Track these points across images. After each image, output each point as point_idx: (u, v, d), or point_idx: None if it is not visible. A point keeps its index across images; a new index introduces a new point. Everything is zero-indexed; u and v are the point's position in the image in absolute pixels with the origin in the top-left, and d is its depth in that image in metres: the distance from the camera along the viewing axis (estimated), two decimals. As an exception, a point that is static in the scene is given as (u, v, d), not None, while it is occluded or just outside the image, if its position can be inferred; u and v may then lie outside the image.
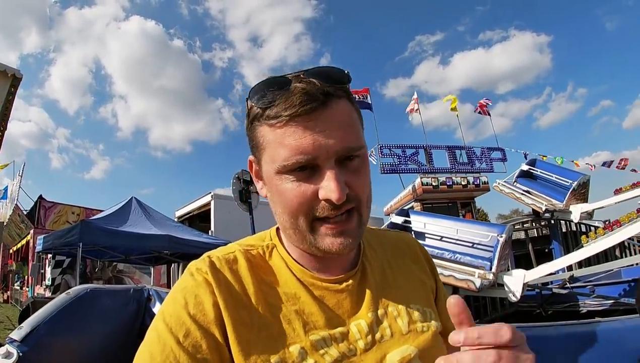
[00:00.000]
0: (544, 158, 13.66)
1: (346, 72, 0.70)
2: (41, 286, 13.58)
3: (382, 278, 0.83)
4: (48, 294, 12.05)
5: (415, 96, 16.16)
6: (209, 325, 0.65)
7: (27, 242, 15.35)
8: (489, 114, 16.56)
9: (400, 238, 0.98)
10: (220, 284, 0.69)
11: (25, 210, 16.36)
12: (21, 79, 9.25)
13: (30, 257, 14.64)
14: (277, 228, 0.84)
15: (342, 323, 0.72)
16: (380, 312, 0.76)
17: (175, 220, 12.57)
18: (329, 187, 0.64)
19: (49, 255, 12.25)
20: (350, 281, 0.78)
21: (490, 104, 16.84)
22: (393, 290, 0.82)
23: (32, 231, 14.78)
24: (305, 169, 0.66)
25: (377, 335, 0.73)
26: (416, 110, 15.66)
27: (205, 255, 0.75)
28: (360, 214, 0.71)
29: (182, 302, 0.67)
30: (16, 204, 15.60)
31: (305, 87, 0.64)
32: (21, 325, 1.29)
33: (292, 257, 0.77)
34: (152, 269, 12.42)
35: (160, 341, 0.63)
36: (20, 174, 15.90)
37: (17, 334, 1.25)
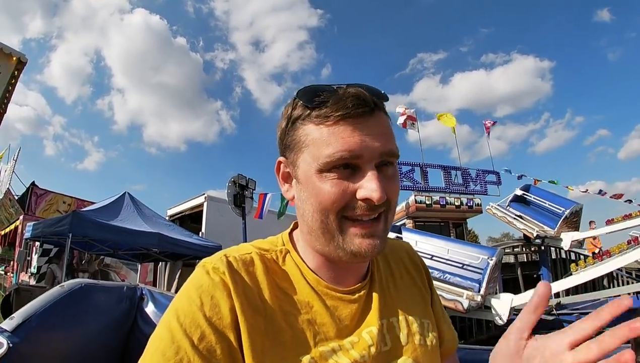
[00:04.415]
0: (537, 182, 13.75)
1: (383, 92, 0.73)
2: (26, 273, 13.44)
3: (386, 287, 0.84)
4: (33, 282, 11.91)
5: (405, 110, 16.15)
6: (224, 329, 0.64)
7: (16, 228, 15.19)
8: (488, 135, 16.68)
9: (402, 246, 0.99)
10: (238, 287, 0.68)
11: (17, 195, 16.21)
12: (26, 63, 9.20)
13: (17, 243, 14.48)
14: (290, 234, 0.84)
15: (352, 333, 0.73)
16: (384, 321, 0.77)
17: (167, 218, 12.50)
18: (370, 187, 0.66)
19: (37, 243, 12.13)
20: (363, 292, 0.78)
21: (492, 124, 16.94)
22: (395, 301, 0.82)
23: (21, 217, 14.65)
24: (347, 168, 0.68)
25: (382, 345, 0.74)
26: (411, 124, 15.72)
27: (221, 253, 0.74)
28: (387, 219, 0.73)
29: (197, 302, 0.65)
30: (8, 188, 15.48)
31: (357, 92, 0.67)
32: (12, 315, 1.28)
33: (306, 264, 0.77)
34: (139, 266, 12.32)
35: (175, 342, 0.62)
36: (15, 159, 15.80)
37: (8, 324, 1.24)
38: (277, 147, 0.79)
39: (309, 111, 0.69)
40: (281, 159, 0.78)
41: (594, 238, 12.87)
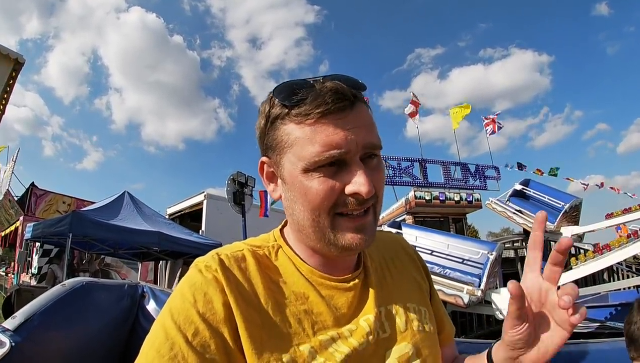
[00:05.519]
0: (540, 173, 13.72)
1: (360, 81, 0.73)
2: (27, 274, 13.43)
3: (381, 277, 0.85)
4: (33, 283, 11.91)
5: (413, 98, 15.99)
6: (218, 324, 0.64)
7: (16, 229, 15.19)
8: (494, 132, 16.56)
9: (395, 239, 1.00)
10: (230, 283, 0.68)
11: (16, 196, 16.20)
12: (23, 64, 9.15)
13: (18, 244, 14.48)
14: (281, 230, 0.85)
15: (350, 321, 0.73)
16: (382, 309, 0.78)
17: (167, 217, 12.49)
18: (359, 181, 0.66)
19: (37, 244, 12.13)
20: (357, 280, 0.79)
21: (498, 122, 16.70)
22: (391, 289, 0.83)
23: (21, 218, 14.64)
24: (333, 165, 0.67)
25: (380, 332, 0.74)
26: (415, 113, 15.63)
27: (213, 252, 0.74)
28: (375, 211, 0.73)
29: (191, 300, 0.66)
30: (7, 189, 15.47)
31: (335, 86, 0.67)
32: (15, 314, 1.28)
33: (299, 257, 0.78)
34: (140, 265, 12.32)
35: (169, 339, 0.62)
36: (14, 160, 15.80)
37: (10, 323, 1.24)
38: (258, 146, 0.79)
39: (287, 110, 0.69)
40: (264, 159, 0.77)
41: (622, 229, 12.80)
